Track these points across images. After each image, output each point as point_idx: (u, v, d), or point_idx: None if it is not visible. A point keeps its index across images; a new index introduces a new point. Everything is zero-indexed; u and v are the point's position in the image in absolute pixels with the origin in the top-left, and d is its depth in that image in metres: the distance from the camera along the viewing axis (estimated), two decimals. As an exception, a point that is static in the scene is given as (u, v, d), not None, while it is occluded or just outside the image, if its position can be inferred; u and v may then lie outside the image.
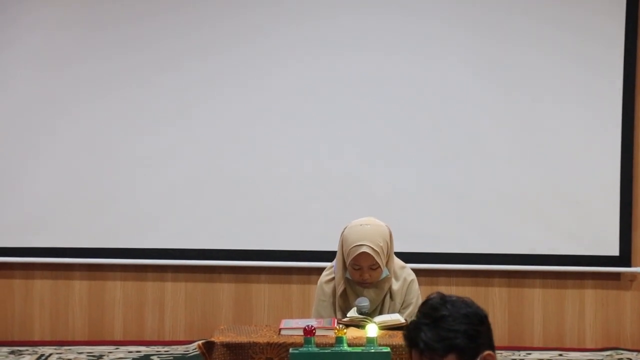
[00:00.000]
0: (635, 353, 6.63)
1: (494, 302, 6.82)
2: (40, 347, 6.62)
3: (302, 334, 3.80)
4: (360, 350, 3.71)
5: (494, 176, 6.75)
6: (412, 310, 4.53)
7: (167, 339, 6.86)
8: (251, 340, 4.02)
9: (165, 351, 6.56)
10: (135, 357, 6.41)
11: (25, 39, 6.77)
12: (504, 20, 6.72)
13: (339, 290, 4.48)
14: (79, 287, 6.87)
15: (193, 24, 6.76)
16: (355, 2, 6.75)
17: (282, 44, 6.77)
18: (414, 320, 2.68)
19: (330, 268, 4.62)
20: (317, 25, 6.76)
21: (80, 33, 6.78)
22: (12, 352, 6.48)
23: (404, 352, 3.95)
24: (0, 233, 6.79)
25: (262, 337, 4.06)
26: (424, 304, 2.70)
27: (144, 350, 6.60)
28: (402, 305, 4.53)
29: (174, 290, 6.87)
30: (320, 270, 4.80)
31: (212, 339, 4.04)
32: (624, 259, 6.75)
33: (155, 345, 6.73)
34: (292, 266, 6.80)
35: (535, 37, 6.72)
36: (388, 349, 3.71)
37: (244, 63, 6.76)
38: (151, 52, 6.78)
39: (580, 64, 6.72)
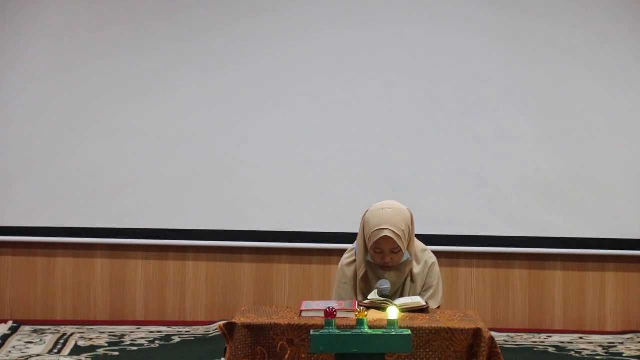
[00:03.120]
0: (656, 337, 6.64)
1: (514, 285, 6.82)
2: (62, 327, 6.66)
3: (323, 315, 3.80)
4: (381, 333, 3.71)
5: (516, 159, 6.73)
6: (433, 293, 4.53)
7: (188, 319, 6.90)
8: (272, 321, 4.03)
9: (186, 332, 6.59)
10: (156, 337, 6.44)
11: (47, 35, 6.81)
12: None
13: (360, 273, 4.48)
14: (101, 267, 6.91)
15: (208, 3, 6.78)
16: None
17: (301, 21, 6.76)
18: None
19: (351, 250, 4.62)
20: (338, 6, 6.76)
21: (101, 29, 6.81)
22: (34, 331, 6.53)
23: (424, 335, 3.96)
24: (23, 213, 6.83)
25: (283, 318, 4.07)
26: None
27: (165, 330, 6.63)
28: (422, 288, 4.54)
29: (195, 271, 6.90)
30: (340, 252, 4.81)
31: (234, 320, 4.05)
32: (646, 242, 6.74)
33: (176, 325, 6.76)
34: (312, 248, 6.82)
35: (560, 17, 6.68)
36: (409, 332, 3.71)
37: (261, 45, 6.76)
38: (166, 30, 6.79)
39: (604, 46, 6.69)
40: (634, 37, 6.68)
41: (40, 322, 6.79)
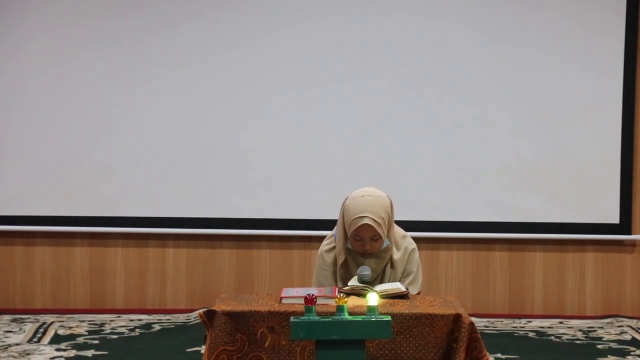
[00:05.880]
0: (635, 320, 6.66)
1: (494, 270, 6.84)
2: (42, 315, 6.64)
3: (303, 302, 3.80)
4: (361, 319, 3.71)
5: (495, 144, 6.75)
6: (413, 278, 4.54)
7: (168, 307, 6.88)
8: (252, 309, 4.02)
9: (167, 319, 6.58)
10: (136, 325, 6.43)
11: (33, 28, 6.78)
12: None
13: (340, 260, 4.48)
14: (81, 255, 6.89)
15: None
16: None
17: (282, 10, 6.75)
18: None
19: (330, 237, 4.62)
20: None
21: (81, 20, 6.78)
22: (14, 320, 6.50)
23: (404, 321, 3.96)
24: (1, 201, 6.80)
25: (263, 305, 4.07)
26: None
27: (145, 318, 6.62)
28: (402, 274, 4.54)
29: (176, 259, 6.88)
30: (320, 238, 4.81)
31: (213, 308, 4.04)
32: (624, 227, 6.77)
33: (156, 313, 6.75)
34: (293, 234, 6.81)
35: (538, 3, 6.70)
36: (389, 318, 3.71)
37: (242, 36, 6.75)
38: (148, 19, 6.77)
39: (583, 32, 6.71)
40: (612, 23, 6.69)
41: (19, 311, 6.76)
